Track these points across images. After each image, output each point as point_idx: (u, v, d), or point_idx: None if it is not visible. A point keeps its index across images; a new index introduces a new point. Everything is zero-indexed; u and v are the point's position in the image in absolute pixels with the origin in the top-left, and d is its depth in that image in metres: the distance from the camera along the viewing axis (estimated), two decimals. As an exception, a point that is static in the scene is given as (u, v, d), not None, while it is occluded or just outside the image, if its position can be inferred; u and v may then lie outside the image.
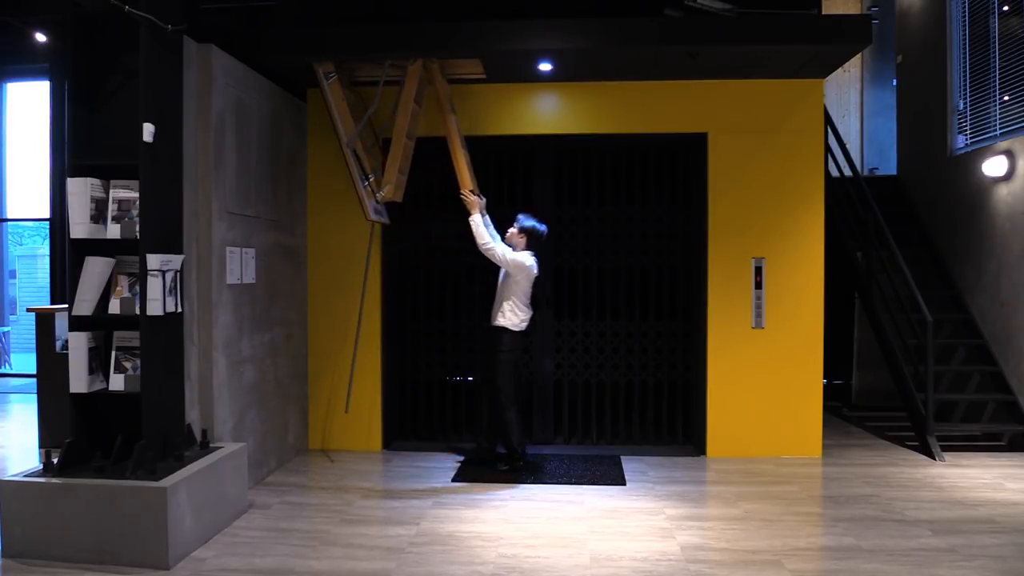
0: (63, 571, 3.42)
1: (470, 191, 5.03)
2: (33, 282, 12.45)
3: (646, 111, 5.53)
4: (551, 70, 5.29)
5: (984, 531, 3.96)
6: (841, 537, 3.90)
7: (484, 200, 5.05)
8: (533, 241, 5.07)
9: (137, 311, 3.70)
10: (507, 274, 5.03)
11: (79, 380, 3.70)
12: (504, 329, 5.00)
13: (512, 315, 5.00)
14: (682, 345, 5.79)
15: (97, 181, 3.75)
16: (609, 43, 4.80)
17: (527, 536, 3.91)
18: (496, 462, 5.15)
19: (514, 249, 5.07)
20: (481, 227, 4.96)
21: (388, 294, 5.76)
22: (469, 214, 4.99)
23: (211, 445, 4.16)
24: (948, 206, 6.84)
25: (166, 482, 3.50)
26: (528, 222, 5.07)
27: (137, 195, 3.72)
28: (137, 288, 3.73)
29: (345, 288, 5.68)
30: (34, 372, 5.92)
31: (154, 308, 3.68)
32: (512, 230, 5.09)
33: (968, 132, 6.56)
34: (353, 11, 5.23)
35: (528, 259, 5.00)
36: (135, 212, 3.74)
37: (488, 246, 4.93)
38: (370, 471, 5.19)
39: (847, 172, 6.77)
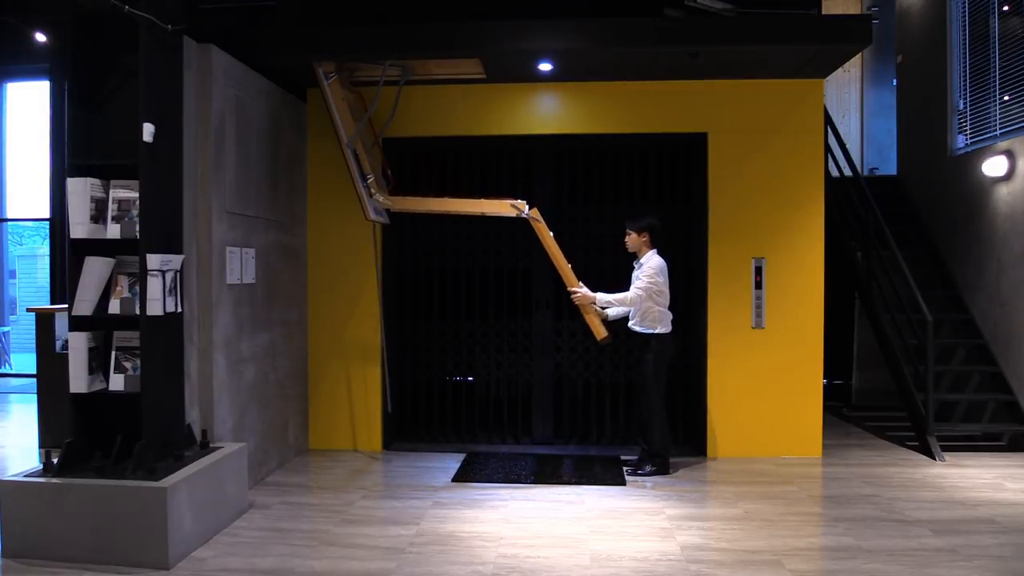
0: (63, 571, 3.42)
1: (576, 289, 4.97)
2: (33, 282, 12.45)
3: (646, 111, 5.53)
4: (551, 70, 5.29)
5: (984, 531, 3.96)
6: (841, 537, 3.90)
7: (587, 290, 4.97)
8: (657, 236, 5.02)
9: (137, 311, 3.70)
10: None
11: (79, 380, 3.70)
12: (656, 335, 4.95)
13: (661, 321, 4.95)
14: (682, 345, 5.77)
15: (97, 181, 3.75)
16: (609, 43, 4.80)
17: (527, 536, 3.91)
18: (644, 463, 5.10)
19: (638, 253, 5.03)
20: (616, 301, 4.92)
21: (388, 294, 5.76)
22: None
23: (211, 445, 4.16)
24: (948, 206, 6.84)
25: (166, 482, 3.50)
26: (644, 219, 4.99)
27: (137, 195, 3.72)
28: (137, 288, 3.73)
29: (345, 288, 5.68)
30: (34, 372, 5.92)
31: (154, 308, 3.67)
32: (631, 236, 5.02)
33: (968, 132, 6.56)
34: (353, 11, 5.23)
35: (659, 261, 4.95)
36: (135, 212, 3.74)
37: (633, 298, 4.87)
38: (370, 471, 5.19)
39: (847, 172, 6.77)
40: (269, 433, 5.06)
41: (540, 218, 4.96)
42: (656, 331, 4.95)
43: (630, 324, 5.05)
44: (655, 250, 5.02)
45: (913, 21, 7.56)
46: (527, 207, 4.93)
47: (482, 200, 5.05)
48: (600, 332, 4.99)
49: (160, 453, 3.73)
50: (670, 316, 5.02)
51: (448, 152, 5.87)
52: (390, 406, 5.56)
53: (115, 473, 3.56)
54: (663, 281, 4.95)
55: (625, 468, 5.11)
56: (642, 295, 4.87)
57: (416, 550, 3.72)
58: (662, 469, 5.04)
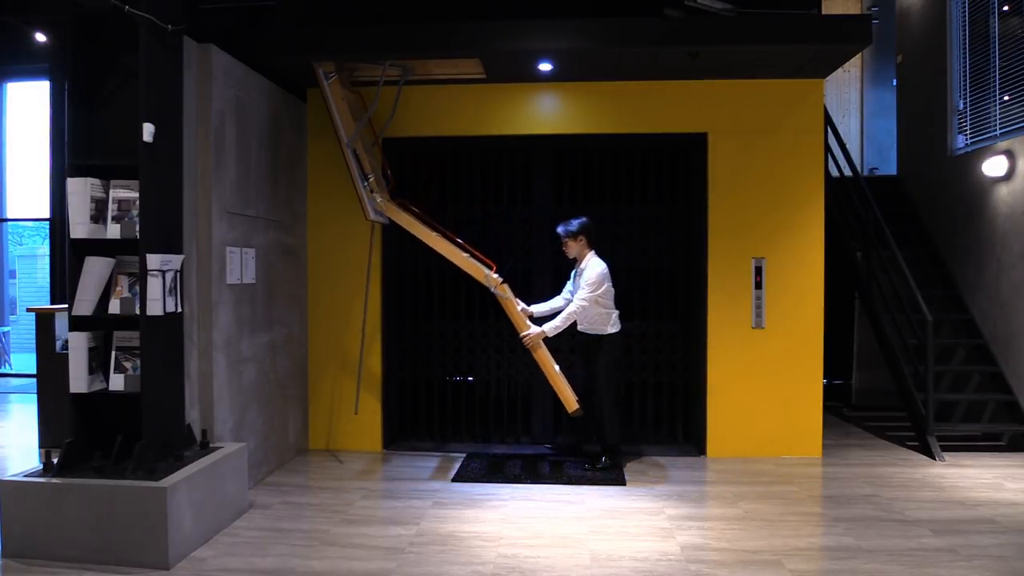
0: (63, 571, 3.42)
1: (525, 332, 4.96)
2: (33, 282, 12.44)
3: (646, 111, 5.53)
4: (551, 70, 5.29)
5: (984, 531, 3.96)
6: (841, 537, 3.90)
7: (535, 330, 4.95)
8: (593, 237, 5.06)
9: (137, 311, 3.70)
10: None
11: (79, 380, 3.70)
12: (606, 336, 5.02)
13: (608, 322, 5.02)
14: (682, 345, 5.78)
15: (97, 181, 3.75)
16: (609, 43, 4.80)
17: (527, 536, 3.91)
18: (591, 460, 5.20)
19: (578, 260, 5.07)
20: (562, 323, 4.90)
21: (388, 294, 5.76)
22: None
23: (211, 445, 4.17)
24: (948, 206, 6.84)
25: (166, 482, 3.50)
26: (574, 223, 5.02)
27: (137, 195, 3.72)
28: (137, 288, 3.73)
29: (345, 288, 5.68)
30: (34, 372, 5.92)
31: (154, 308, 3.67)
32: (568, 243, 5.06)
33: (968, 132, 6.56)
34: (353, 11, 5.23)
35: (600, 267, 4.98)
36: (135, 212, 3.74)
37: (577, 311, 4.89)
38: (370, 471, 5.19)
39: (847, 172, 6.77)
40: (269, 433, 5.06)
41: (507, 294, 4.99)
42: (606, 332, 5.02)
43: (579, 328, 5.09)
44: (593, 251, 5.07)
45: (913, 21, 7.56)
46: (497, 283, 4.97)
47: (464, 255, 5.02)
48: (571, 404, 5.00)
49: (160, 453, 3.73)
50: (616, 314, 5.08)
51: (448, 152, 5.86)
52: (356, 409, 5.51)
53: (115, 473, 3.57)
54: (607, 286, 4.99)
55: (584, 464, 5.16)
56: (586, 306, 4.91)
57: (416, 550, 3.72)
58: (616, 461, 5.13)
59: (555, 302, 5.22)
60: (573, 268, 5.18)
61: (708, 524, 4.11)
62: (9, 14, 6.87)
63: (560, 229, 5.10)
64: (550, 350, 5.04)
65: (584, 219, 5.08)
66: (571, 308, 4.93)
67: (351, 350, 5.67)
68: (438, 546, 3.78)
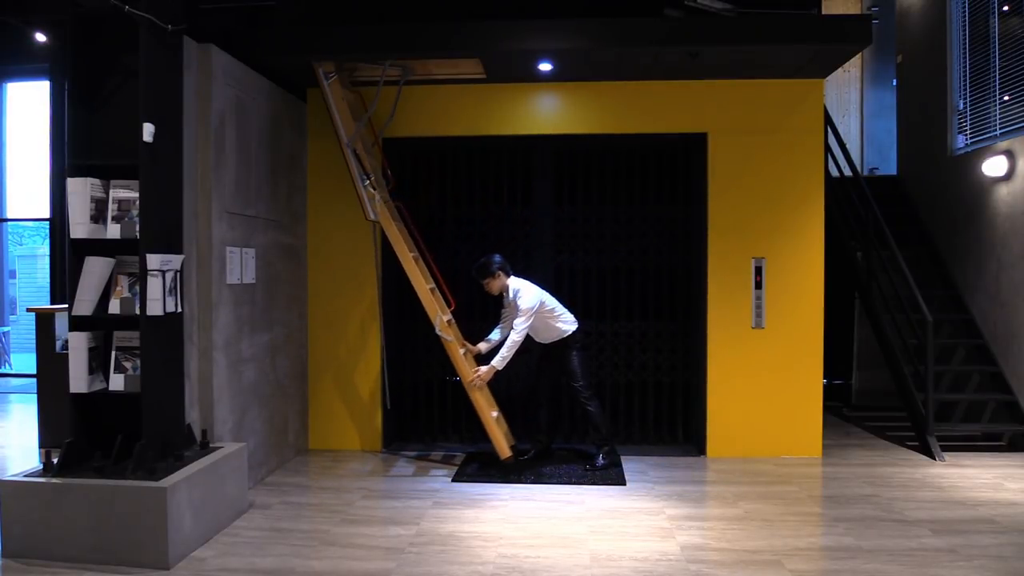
0: (63, 571, 3.42)
1: (473, 378, 4.96)
2: (33, 282, 12.44)
3: (646, 111, 5.53)
4: (551, 70, 5.29)
5: (984, 531, 3.96)
6: (841, 537, 3.90)
7: (484, 368, 4.95)
8: (507, 266, 5.09)
9: (137, 311, 3.70)
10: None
11: (79, 380, 3.70)
12: (569, 336, 5.08)
13: (563, 322, 5.09)
14: (682, 345, 5.78)
15: (97, 181, 3.76)
16: (609, 43, 4.81)
17: (527, 536, 3.91)
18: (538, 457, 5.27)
19: (504, 294, 5.08)
20: (508, 352, 4.90)
21: (388, 294, 5.76)
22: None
23: (211, 445, 4.17)
24: (948, 206, 6.84)
25: (166, 482, 3.50)
26: (491, 264, 5.00)
27: (137, 195, 3.72)
28: (137, 288, 3.73)
29: (345, 288, 5.68)
30: (34, 372, 5.92)
31: (154, 308, 3.67)
32: (487, 283, 5.04)
33: (968, 132, 6.56)
34: (353, 11, 5.23)
35: (527, 293, 4.98)
36: (135, 212, 3.74)
37: (520, 338, 4.90)
38: (370, 471, 5.19)
39: (847, 172, 6.77)
40: (269, 433, 5.06)
41: (451, 336, 5.00)
42: (568, 332, 5.09)
43: (544, 342, 5.16)
44: (512, 276, 5.10)
45: (913, 21, 7.56)
46: (443, 325, 4.96)
47: (427, 288, 4.99)
48: (504, 452, 5.01)
49: (160, 453, 3.73)
50: (567, 312, 5.14)
51: (448, 152, 5.87)
52: (388, 403, 5.57)
53: (115, 473, 3.57)
54: (540, 304, 4.98)
55: (586, 465, 5.15)
56: (525, 329, 4.94)
57: (416, 550, 3.72)
58: (614, 458, 5.19)
59: (500, 332, 5.18)
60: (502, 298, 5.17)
61: (708, 524, 4.11)
62: (9, 14, 6.87)
63: (475, 274, 5.07)
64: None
65: (495, 256, 5.07)
66: (513, 337, 4.92)
67: (351, 350, 5.67)
68: (438, 546, 3.78)
